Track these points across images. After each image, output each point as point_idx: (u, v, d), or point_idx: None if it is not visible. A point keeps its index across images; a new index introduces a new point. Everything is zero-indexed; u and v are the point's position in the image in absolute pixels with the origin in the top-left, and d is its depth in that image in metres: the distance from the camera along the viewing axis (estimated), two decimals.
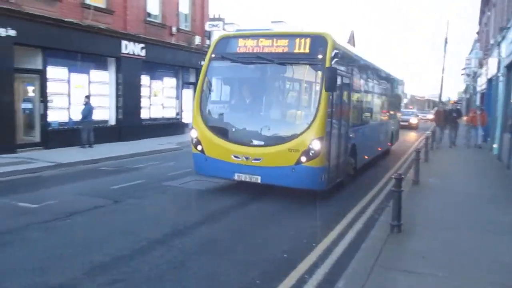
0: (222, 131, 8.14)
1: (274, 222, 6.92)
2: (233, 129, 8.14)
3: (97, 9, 15.12)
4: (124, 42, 16.45)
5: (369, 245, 5.48)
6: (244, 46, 8.23)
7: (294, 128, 7.74)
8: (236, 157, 7.76)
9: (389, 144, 15.54)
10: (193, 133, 8.36)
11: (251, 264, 5.00)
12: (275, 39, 8.03)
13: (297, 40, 7.85)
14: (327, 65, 7.45)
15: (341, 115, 8.62)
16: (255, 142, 7.78)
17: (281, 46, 7.94)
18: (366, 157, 11.34)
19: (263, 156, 7.62)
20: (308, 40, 7.78)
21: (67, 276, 4.48)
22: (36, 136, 13.64)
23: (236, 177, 7.88)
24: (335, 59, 7.68)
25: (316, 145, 7.34)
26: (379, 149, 13.75)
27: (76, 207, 7.15)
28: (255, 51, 8.08)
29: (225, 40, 8.62)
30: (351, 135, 9.26)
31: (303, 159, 7.36)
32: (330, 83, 7.25)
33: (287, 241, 5.89)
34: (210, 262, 5.04)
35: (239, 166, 7.76)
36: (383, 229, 6.04)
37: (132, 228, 6.21)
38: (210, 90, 8.75)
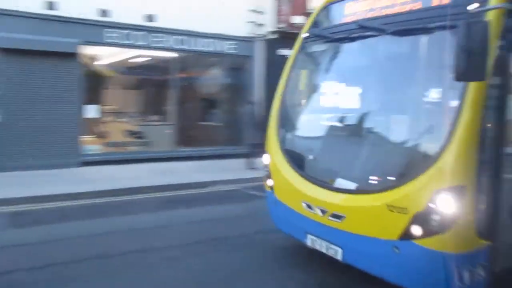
0: (297, 159, 4.98)
1: None
2: (310, 157, 5.04)
3: None
4: None
5: None
6: (353, 13, 4.81)
7: (402, 163, 4.11)
8: (308, 206, 4.54)
9: None
10: (265, 159, 5.45)
11: None
12: None
13: None
14: (488, 17, 3.47)
15: None
16: (340, 183, 4.37)
17: (408, 2, 4.20)
18: None
19: (347, 211, 4.16)
20: None
21: None
22: None
23: (309, 241, 4.63)
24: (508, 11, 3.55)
25: (446, 204, 3.45)
26: None
27: None
28: (368, 16, 4.58)
29: (328, 9, 5.25)
30: None
31: (416, 230, 3.59)
32: (481, 60, 3.28)
33: None
34: None
35: (312, 223, 4.52)
36: None
37: None
38: (294, 92, 5.63)
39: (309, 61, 5.59)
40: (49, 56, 10.46)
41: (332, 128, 5.04)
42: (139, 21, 11.65)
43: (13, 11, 9.96)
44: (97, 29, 11.09)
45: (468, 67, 3.27)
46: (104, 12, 11.06)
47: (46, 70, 10.59)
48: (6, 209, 7.52)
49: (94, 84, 12.01)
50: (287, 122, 5.42)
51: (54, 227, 6.76)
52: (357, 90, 4.90)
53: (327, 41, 5.17)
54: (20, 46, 10.07)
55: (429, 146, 3.78)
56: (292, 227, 4.98)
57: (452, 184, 3.46)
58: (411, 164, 3.95)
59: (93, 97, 11.71)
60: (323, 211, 4.33)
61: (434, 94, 4.03)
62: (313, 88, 5.62)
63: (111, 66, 13.10)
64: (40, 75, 10.54)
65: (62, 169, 10.55)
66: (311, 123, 5.41)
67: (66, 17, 10.54)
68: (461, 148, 3.48)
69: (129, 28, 11.55)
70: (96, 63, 12.51)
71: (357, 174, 4.35)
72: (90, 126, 11.78)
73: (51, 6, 10.36)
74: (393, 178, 3.93)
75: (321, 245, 4.45)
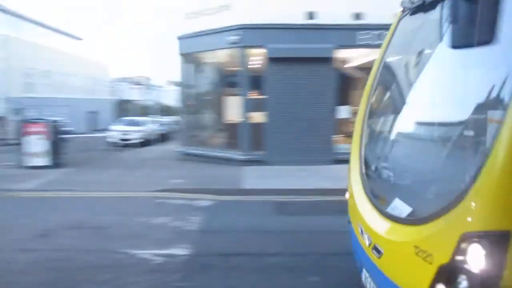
0: (367, 168, 3.84)
1: None
2: (373, 166, 3.78)
3: None
4: None
5: None
6: None
7: (435, 186, 2.73)
8: (361, 231, 3.42)
9: None
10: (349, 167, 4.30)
11: None
12: None
13: None
14: None
15: None
16: (392, 205, 3.01)
17: None
18: None
19: (384, 245, 2.90)
20: None
21: None
22: None
23: (363, 277, 3.40)
24: None
25: (477, 258, 1.97)
26: None
27: None
28: None
29: None
30: None
31: None
32: None
33: None
34: None
35: (363, 254, 3.36)
36: None
37: None
38: (385, 83, 4.22)
39: (406, 41, 4.04)
40: (307, 62, 11.46)
41: (405, 129, 3.77)
42: (392, 19, 11.51)
43: (277, 24, 11.34)
44: (350, 33, 11.51)
45: (470, 23, 1.96)
46: (357, 16, 11.38)
47: (304, 75, 11.64)
48: (273, 198, 8.62)
49: (345, 85, 12.54)
50: (373, 121, 4.21)
51: (308, 218, 7.35)
52: (434, 84, 3.40)
53: (428, 13, 3.47)
54: (284, 54, 11.37)
55: (462, 168, 2.35)
56: (355, 253, 3.86)
57: (488, 228, 2.05)
58: (442, 190, 2.63)
59: (344, 98, 12.23)
60: (369, 241, 3.19)
61: (482, 94, 2.43)
62: (407, 77, 4.12)
63: (360, 67, 13.40)
64: (299, 80, 11.66)
65: (318, 165, 11.41)
66: (395, 122, 3.98)
67: (322, 24, 11.33)
68: (505, 175, 2.02)
69: (381, 28, 11.52)
70: (346, 65, 13.02)
71: (405, 196, 3.04)
72: (340, 126, 12.34)
73: (311, 16, 11.30)
74: (427, 207, 2.58)
75: (370, 285, 3.24)
